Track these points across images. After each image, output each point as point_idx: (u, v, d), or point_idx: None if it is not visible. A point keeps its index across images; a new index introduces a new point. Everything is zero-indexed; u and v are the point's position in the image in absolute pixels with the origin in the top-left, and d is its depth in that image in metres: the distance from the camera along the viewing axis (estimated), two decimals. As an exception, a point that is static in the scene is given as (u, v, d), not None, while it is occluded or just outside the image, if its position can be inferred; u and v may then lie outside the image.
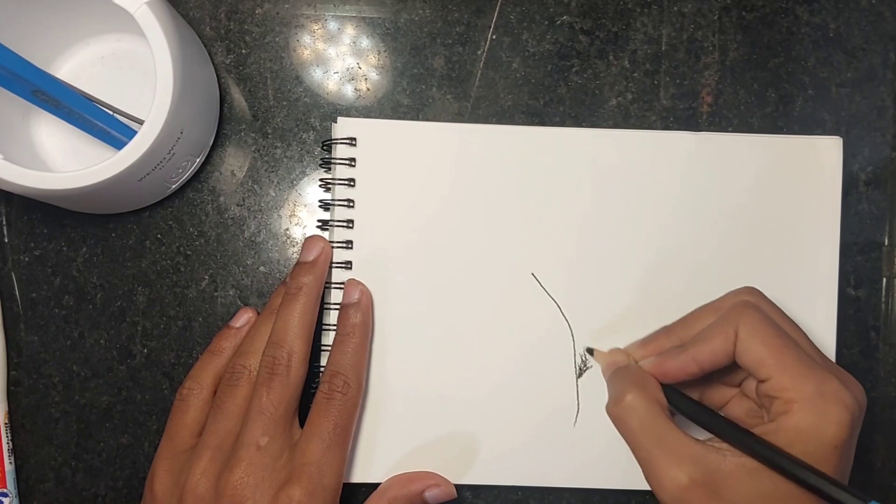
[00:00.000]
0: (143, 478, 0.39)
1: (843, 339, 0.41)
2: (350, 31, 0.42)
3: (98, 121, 0.38)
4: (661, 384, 0.35)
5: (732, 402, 0.36)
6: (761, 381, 0.32)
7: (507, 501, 0.41)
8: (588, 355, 0.39)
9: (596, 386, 0.40)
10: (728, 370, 0.35)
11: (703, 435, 0.33)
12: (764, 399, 0.33)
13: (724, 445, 0.32)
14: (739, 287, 0.36)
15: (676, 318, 0.39)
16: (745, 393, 0.35)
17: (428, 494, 0.38)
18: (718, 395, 0.37)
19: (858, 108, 0.42)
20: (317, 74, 0.42)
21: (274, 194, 0.42)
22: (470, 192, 0.40)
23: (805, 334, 0.34)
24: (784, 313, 0.35)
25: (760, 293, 0.35)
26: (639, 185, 0.40)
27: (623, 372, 0.36)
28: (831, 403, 0.31)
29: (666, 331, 0.37)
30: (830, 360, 0.34)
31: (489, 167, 0.40)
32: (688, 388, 0.36)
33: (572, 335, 0.40)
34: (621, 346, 0.39)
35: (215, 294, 0.41)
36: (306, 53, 0.42)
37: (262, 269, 0.42)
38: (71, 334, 0.41)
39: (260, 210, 0.42)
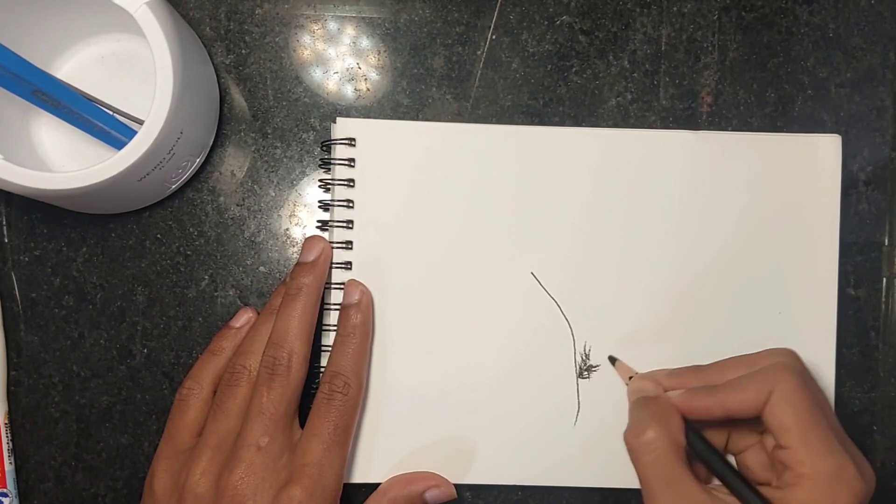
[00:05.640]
0: (143, 478, 0.39)
1: (843, 339, 0.41)
2: (350, 31, 0.42)
3: (98, 121, 0.38)
4: (685, 424, 0.35)
5: (751, 451, 0.36)
6: (780, 447, 0.32)
7: (507, 501, 0.41)
8: (609, 363, 0.40)
9: (596, 385, 0.40)
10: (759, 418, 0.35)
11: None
12: (777, 464, 0.33)
13: (731, 499, 0.33)
14: (778, 347, 0.36)
15: (675, 316, 0.40)
16: (764, 445, 0.35)
17: (428, 495, 0.38)
18: (743, 440, 0.37)
19: (858, 109, 0.42)
20: (316, 74, 0.42)
21: (274, 194, 0.42)
22: (469, 192, 0.40)
23: (832, 410, 0.34)
24: (817, 384, 0.35)
25: (799, 359, 0.35)
26: (638, 183, 0.40)
27: (650, 403, 0.36)
28: (843, 487, 0.31)
29: (696, 370, 0.37)
30: (849, 441, 0.34)
31: (489, 167, 0.40)
32: (715, 425, 0.36)
33: (572, 334, 0.40)
34: (625, 348, 0.39)
35: (215, 294, 0.41)
36: (306, 53, 0.42)
37: (261, 269, 0.42)
38: (71, 334, 0.41)
39: (260, 210, 0.42)
